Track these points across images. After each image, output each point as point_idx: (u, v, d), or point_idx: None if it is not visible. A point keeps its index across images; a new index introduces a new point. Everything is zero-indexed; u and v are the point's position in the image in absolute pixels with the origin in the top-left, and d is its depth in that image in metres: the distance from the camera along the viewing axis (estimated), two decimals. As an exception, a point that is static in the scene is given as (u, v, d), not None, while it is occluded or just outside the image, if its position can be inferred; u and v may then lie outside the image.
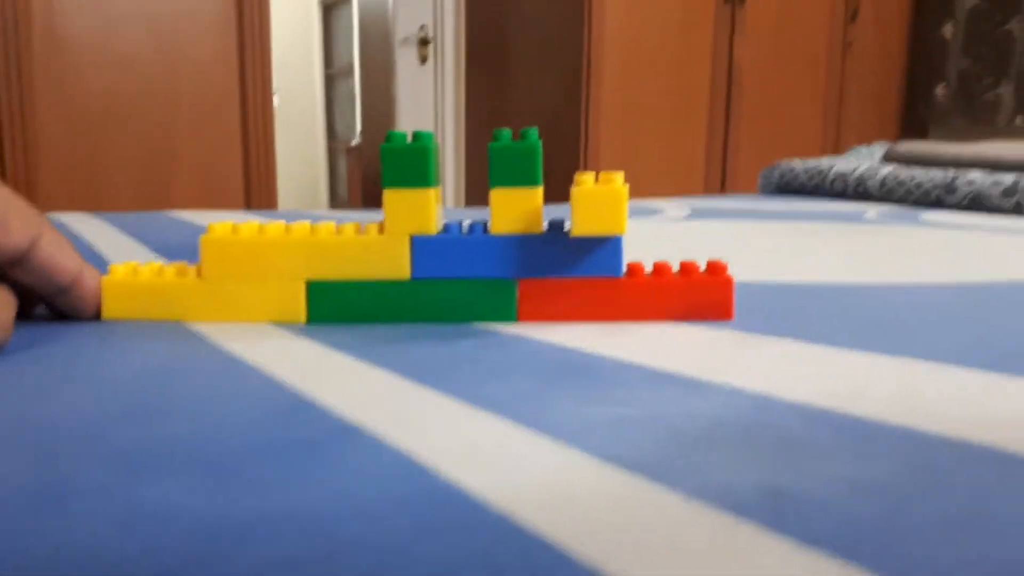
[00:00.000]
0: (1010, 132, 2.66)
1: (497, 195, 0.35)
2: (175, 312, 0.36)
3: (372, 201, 3.09)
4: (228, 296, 0.36)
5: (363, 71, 2.96)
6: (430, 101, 2.58)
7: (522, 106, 2.40)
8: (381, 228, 0.36)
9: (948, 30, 2.63)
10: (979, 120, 2.65)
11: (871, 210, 0.94)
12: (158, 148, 1.81)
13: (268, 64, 1.88)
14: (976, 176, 0.90)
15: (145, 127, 1.79)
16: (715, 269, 0.36)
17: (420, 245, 0.35)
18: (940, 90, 2.68)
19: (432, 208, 0.35)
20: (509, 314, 0.36)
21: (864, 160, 1.18)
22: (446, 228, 0.36)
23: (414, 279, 0.36)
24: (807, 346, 0.31)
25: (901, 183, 0.99)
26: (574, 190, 0.34)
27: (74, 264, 0.33)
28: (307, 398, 0.25)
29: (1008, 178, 0.87)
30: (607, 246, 0.35)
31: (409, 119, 2.57)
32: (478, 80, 2.56)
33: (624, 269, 0.36)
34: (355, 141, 3.96)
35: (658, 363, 0.29)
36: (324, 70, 4.62)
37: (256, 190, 1.91)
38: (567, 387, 0.26)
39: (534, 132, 0.35)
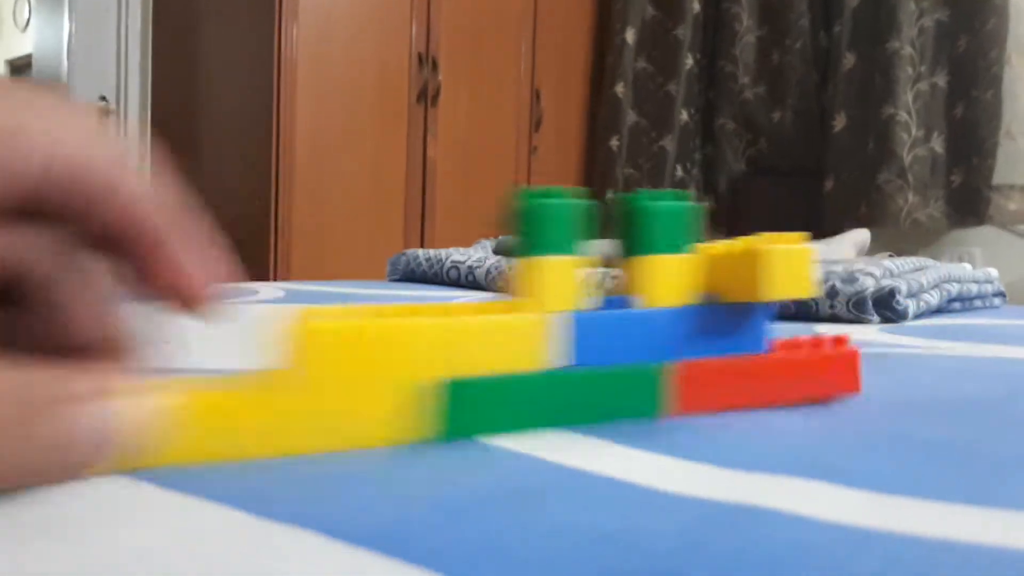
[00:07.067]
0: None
1: (656, 263, 0.29)
2: (261, 445, 0.23)
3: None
4: (335, 412, 0.24)
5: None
6: (111, 174, 2.45)
7: (211, 184, 2.34)
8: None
9: (615, 142, 2.97)
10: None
11: (471, 297, 1.01)
12: None
13: None
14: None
15: None
16: (838, 341, 0.32)
17: (584, 324, 0.28)
18: (610, 195, 3.00)
19: (578, 280, 0.28)
20: (657, 408, 0.29)
21: (480, 251, 1.28)
22: (603, 304, 0.30)
23: (576, 366, 0.28)
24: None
25: (502, 273, 1.08)
26: (759, 250, 0.29)
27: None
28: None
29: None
30: (757, 317, 0.30)
31: (85, 192, 2.41)
32: (164, 156, 2.48)
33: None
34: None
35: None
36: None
37: None
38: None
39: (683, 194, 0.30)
